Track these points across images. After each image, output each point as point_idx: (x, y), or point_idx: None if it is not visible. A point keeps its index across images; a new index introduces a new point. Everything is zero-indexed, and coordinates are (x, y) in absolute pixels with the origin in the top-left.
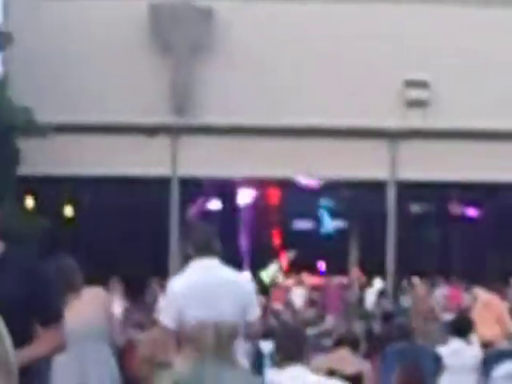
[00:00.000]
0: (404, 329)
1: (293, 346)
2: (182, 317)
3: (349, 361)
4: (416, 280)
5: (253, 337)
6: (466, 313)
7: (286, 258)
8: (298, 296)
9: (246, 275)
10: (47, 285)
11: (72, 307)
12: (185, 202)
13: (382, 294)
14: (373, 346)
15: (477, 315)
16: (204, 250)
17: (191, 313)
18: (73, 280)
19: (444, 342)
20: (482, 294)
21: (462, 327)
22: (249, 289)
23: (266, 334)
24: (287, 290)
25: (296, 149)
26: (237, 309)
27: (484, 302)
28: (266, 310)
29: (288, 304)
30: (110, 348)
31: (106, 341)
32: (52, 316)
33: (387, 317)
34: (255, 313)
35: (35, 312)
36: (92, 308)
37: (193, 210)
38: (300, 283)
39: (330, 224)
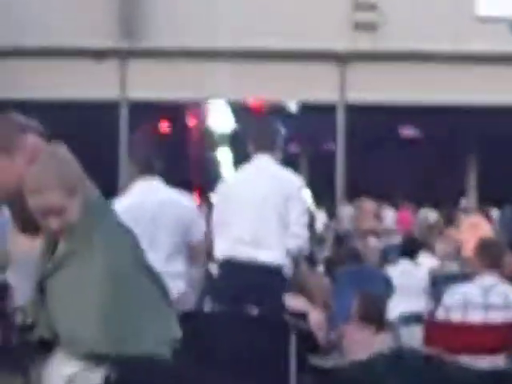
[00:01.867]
0: (355, 252)
1: None
2: None
3: None
4: (363, 200)
5: (197, 260)
6: (414, 234)
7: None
8: None
9: (188, 196)
10: None
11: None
12: (134, 126)
13: (332, 217)
14: (325, 269)
15: (464, 235)
16: (145, 170)
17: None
18: None
19: (391, 262)
20: (467, 217)
21: (410, 248)
22: (190, 209)
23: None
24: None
25: (245, 71)
26: (175, 230)
27: (472, 223)
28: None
29: None
30: None
31: None
32: None
33: (338, 240)
34: (198, 234)
35: None
36: None
37: (140, 133)
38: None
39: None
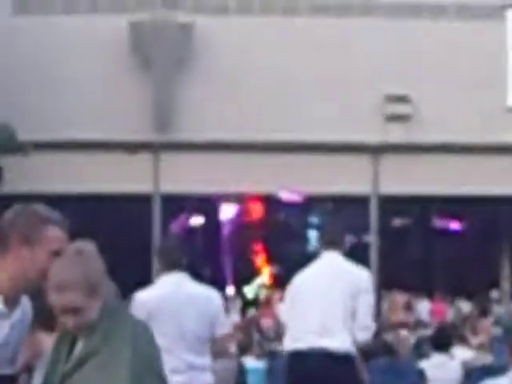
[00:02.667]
0: (388, 345)
1: None
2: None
3: None
4: (396, 293)
5: (220, 353)
6: (447, 327)
7: (269, 273)
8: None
9: (214, 291)
10: None
11: None
12: (167, 219)
13: None
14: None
15: None
16: (171, 265)
17: (156, 326)
18: None
19: (425, 355)
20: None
21: (442, 341)
22: (216, 304)
23: (246, 349)
24: (274, 305)
25: (278, 164)
26: (202, 324)
27: None
28: (251, 324)
29: (276, 320)
30: None
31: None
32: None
33: (375, 333)
34: (223, 329)
35: None
36: None
37: (174, 227)
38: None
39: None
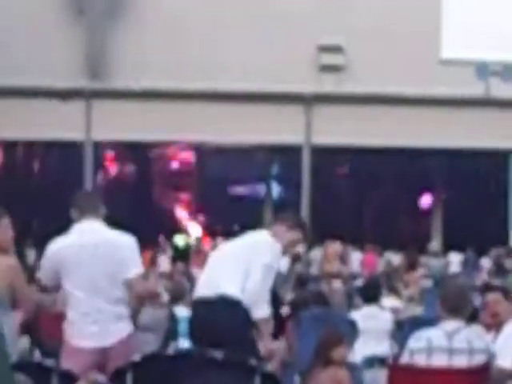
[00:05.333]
0: (320, 295)
1: None
2: (57, 275)
3: None
4: (330, 243)
5: (137, 296)
6: (377, 278)
7: (200, 222)
8: None
9: (126, 235)
10: None
11: None
12: (98, 167)
13: (295, 258)
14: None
15: None
16: (87, 213)
17: (69, 276)
18: None
19: (353, 306)
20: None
21: (372, 292)
22: (126, 246)
23: (177, 298)
24: (205, 255)
25: (211, 113)
26: (113, 269)
27: None
28: (182, 273)
29: None
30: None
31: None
32: None
33: (302, 282)
34: (135, 271)
35: None
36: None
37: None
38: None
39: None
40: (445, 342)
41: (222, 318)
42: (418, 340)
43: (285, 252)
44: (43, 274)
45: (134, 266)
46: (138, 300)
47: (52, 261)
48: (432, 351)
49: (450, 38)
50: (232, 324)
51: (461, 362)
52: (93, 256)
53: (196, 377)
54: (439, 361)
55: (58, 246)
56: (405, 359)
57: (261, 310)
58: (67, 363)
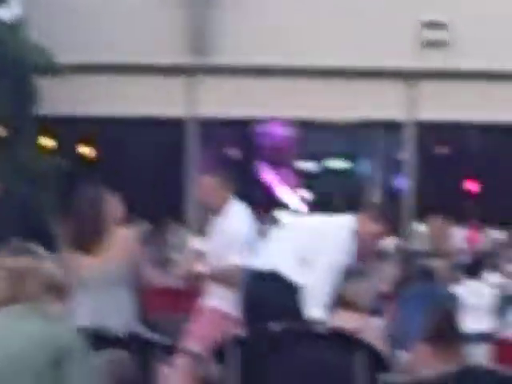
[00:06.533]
0: (426, 270)
1: None
2: None
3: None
4: (434, 219)
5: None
6: (481, 254)
7: (302, 197)
8: None
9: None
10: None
11: (101, 249)
12: (201, 144)
13: (399, 234)
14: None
15: None
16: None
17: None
18: (106, 213)
19: (457, 281)
20: None
21: (475, 268)
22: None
23: None
24: None
25: (315, 89)
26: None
27: None
28: None
29: None
30: (129, 292)
31: (126, 285)
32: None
33: (406, 258)
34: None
35: None
36: (119, 252)
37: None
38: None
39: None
40: None
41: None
42: None
43: (362, 246)
44: (243, 256)
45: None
46: None
47: (250, 238)
48: None
49: None
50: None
51: None
52: None
53: (301, 351)
54: None
55: (247, 224)
56: (504, 332)
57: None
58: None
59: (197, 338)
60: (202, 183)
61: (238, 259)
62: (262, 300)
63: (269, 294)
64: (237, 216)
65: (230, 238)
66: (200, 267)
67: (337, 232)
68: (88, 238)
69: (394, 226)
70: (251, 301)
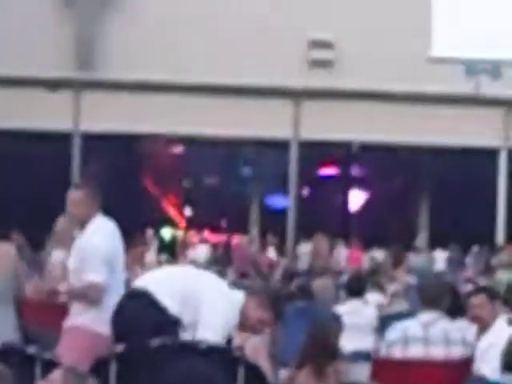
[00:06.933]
0: (305, 289)
1: None
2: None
3: None
4: (320, 238)
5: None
6: (362, 273)
7: (187, 216)
8: (202, 253)
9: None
10: None
11: None
12: (86, 158)
13: (280, 252)
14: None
15: None
16: (100, 208)
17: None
18: None
19: (339, 300)
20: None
21: (357, 287)
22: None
23: None
24: (192, 247)
25: (201, 106)
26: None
27: None
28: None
29: (193, 262)
30: (10, 306)
31: (8, 300)
32: None
33: (286, 276)
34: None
35: None
36: (2, 268)
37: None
38: (204, 241)
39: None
40: (420, 332)
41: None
42: (394, 331)
43: (251, 329)
44: (100, 275)
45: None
46: None
47: (109, 254)
48: (408, 341)
49: (440, 35)
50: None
51: (437, 352)
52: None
53: (179, 367)
54: (415, 351)
55: (107, 240)
56: (382, 351)
57: None
58: (76, 351)
59: (66, 355)
60: (70, 196)
61: (93, 276)
62: (133, 316)
63: (140, 311)
64: (97, 231)
65: (87, 253)
66: (60, 284)
67: (221, 303)
68: None
69: (279, 315)
70: (123, 317)
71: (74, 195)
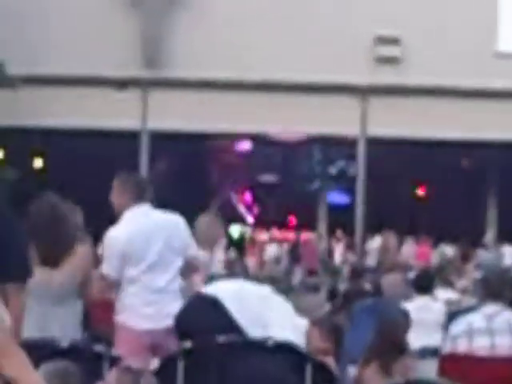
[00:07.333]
0: (374, 285)
1: None
2: (123, 264)
3: None
4: (388, 234)
5: (189, 269)
6: (430, 269)
7: (255, 212)
8: (272, 251)
9: (178, 216)
10: (19, 243)
11: (63, 265)
12: (154, 157)
13: (349, 249)
14: (338, 304)
15: None
16: (137, 199)
17: (131, 260)
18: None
19: (408, 297)
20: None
21: (425, 283)
22: (181, 226)
23: None
24: (261, 245)
25: (268, 103)
26: (171, 249)
27: None
28: (235, 262)
29: (262, 260)
30: (78, 305)
31: (76, 298)
32: (19, 276)
33: (355, 273)
34: (193, 248)
35: (3, 271)
36: (77, 267)
37: (161, 166)
38: (273, 239)
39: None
40: (484, 324)
41: None
42: (459, 325)
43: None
44: (110, 267)
45: (192, 244)
46: (185, 273)
47: (119, 250)
48: (472, 334)
49: (507, 30)
50: None
51: (503, 342)
52: (157, 237)
53: (247, 364)
54: (481, 343)
55: (122, 234)
56: (447, 346)
57: None
58: (121, 348)
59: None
60: (113, 185)
61: (104, 267)
62: (201, 316)
63: (208, 313)
64: (122, 223)
65: (105, 244)
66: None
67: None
68: (51, 252)
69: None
70: (190, 316)
71: (115, 184)
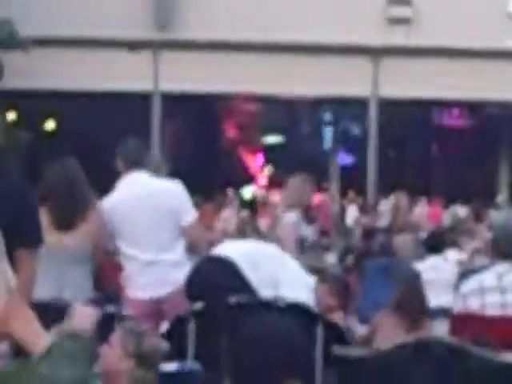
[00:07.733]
0: (385, 246)
1: None
2: (113, 233)
3: None
4: (398, 195)
5: (194, 241)
6: (442, 230)
7: (267, 174)
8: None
9: (175, 183)
10: (31, 209)
11: (77, 228)
12: (166, 118)
13: (362, 210)
14: (350, 264)
15: None
16: (133, 165)
17: (122, 229)
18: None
19: (420, 257)
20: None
21: (436, 243)
22: (177, 194)
23: None
24: (273, 207)
25: (278, 64)
26: (164, 217)
27: None
28: (246, 224)
29: (274, 221)
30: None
31: (88, 260)
32: (31, 241)
33: (367, 233)
34: (189, 216)
35: (15, 237)
36: (91, 233)
37: (173, 127)
38: None
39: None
40: (495, 282)
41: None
42: (470, 283)
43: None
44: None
45: (186, 213)
46: (193, 247)
47: (111, 217)
48: (484, 291)
49: None
50: None
51: None
52: (148, 207)
53: (258, 324)
54: (492, 300)
55: (111, 202)
56: (459, 304)
57: None
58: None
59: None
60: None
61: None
62: (212, 277)
63: (219, 274)
64: (116, 189)
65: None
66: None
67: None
68: (66, 216)
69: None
70: (200, 277)
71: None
